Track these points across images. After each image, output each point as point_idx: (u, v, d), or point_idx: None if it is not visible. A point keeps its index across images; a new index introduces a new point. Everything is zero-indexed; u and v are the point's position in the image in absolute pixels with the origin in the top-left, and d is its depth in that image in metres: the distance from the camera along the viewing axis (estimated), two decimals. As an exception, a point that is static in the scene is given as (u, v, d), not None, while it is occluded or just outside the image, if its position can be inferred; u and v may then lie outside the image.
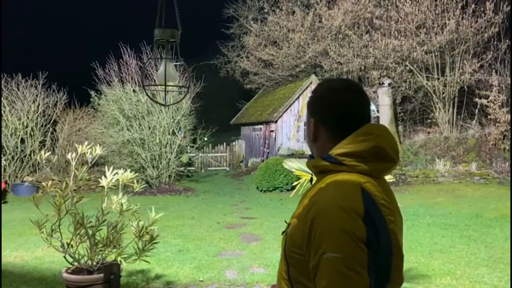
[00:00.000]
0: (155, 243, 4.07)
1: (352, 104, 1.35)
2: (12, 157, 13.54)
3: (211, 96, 22.07)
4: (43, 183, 4.13)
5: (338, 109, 1.35)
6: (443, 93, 15.29)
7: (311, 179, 1.46)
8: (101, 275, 3.80)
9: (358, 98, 1.37)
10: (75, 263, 3.93)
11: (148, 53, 13.37)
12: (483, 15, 14.13)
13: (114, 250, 3.95)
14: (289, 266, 1.29)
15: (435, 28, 14.82)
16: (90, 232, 3.88)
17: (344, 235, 1.15)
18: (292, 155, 15.28)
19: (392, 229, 1.25)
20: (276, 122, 17.91)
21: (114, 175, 4.09)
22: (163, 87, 3.35)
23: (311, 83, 17.98)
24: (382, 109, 15.41)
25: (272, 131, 18.06)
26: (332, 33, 17.71)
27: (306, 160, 1.60)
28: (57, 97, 14.58)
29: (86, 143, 4.19)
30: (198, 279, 5.09)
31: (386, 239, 1.22)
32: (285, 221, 1.42)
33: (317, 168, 1.36)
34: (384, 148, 1.30)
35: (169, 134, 13.56)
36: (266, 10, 20.77)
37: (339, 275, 1.13)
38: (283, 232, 1.36)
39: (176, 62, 3.62)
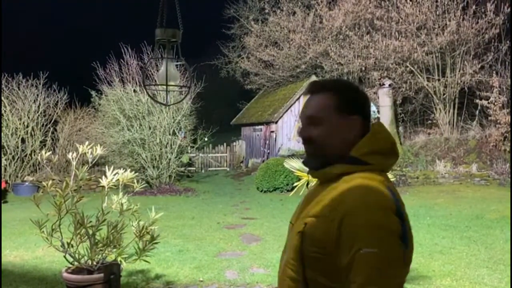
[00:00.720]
0: (156, 243, 4.07)
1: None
2: (13, 157, 13.54)
3: (212, 96, 22.05)
4: (44, 183, 4.13)
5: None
6: (443, 94, 15.30)
7: (307, 183, 1.47)
8: (101, 275, 3.80)
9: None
10: (75, 263, 3.93)
11: (149, 53, 13.38)
12: (483, 16, 14.14)
13: (114, 250, 3.95)
14: (304, 267, 1.26)
15: (436, 29, 14.82)
16: (90, 232, 3.88)
17: (381, 230, 1.15)
18: (293, 155, 15.26)
19: (409, 224, 1.26)
20: (276, 122, 17.90)
21: (115, 175, 4.09)
22: (164, 87, 3.36)
23: (311, 83, 17.95)
24: (383, 110, 15.41)
25: (272, 131, 18.06)
26: (333, 33, 17.72)
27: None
28: (57, 97, 14.58)
29: (86, 143, 4.20)
30: (198, 279, 5.09)
31: (410, 233, 1.24)
32: (290, 222, 1.41)
33: (343, 172, 1.30)
34: (395, 143, 1.35)
35: (169, 134, 13.56)
36: (267, 11, 20.78)
37: (376, 271, 1.11)
38: (298, 232, 1.29)
39: (177, 62, 3.62)
